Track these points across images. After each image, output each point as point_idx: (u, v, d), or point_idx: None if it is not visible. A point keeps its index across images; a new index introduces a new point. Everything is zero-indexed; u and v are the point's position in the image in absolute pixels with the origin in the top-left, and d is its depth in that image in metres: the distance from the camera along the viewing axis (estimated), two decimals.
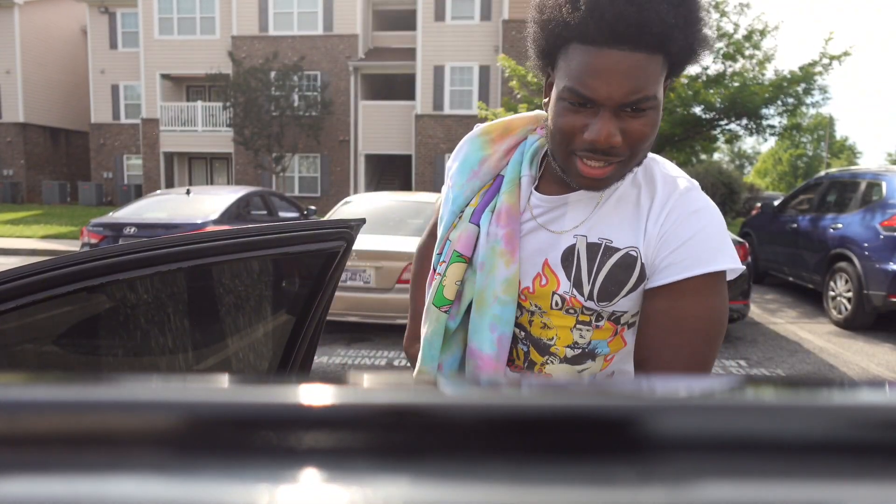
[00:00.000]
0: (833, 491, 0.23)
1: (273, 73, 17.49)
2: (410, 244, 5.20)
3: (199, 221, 6.26)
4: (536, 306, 0.94)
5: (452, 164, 1.04)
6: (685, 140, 12.13)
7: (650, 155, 0.92)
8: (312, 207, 9.67)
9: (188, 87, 21.46)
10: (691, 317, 0.83)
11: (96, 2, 20.50)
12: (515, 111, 12.54)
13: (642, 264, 0.87)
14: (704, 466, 0.24)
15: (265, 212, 7.75)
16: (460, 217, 0.99)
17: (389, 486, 0.23)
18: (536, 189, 0.95)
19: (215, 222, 6.37)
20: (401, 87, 20.99)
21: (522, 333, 0.97)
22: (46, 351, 1.04)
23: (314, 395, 0.27)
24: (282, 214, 8.13)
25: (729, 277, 0.86)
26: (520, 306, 0.95)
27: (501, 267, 0.92)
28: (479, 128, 1.04)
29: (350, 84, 18.92)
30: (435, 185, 18.03)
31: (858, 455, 0.25)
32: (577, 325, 0.93)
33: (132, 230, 6.16)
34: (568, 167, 0.85)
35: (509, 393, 0.30)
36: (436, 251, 1.02)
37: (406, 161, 19.88)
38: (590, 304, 0.90)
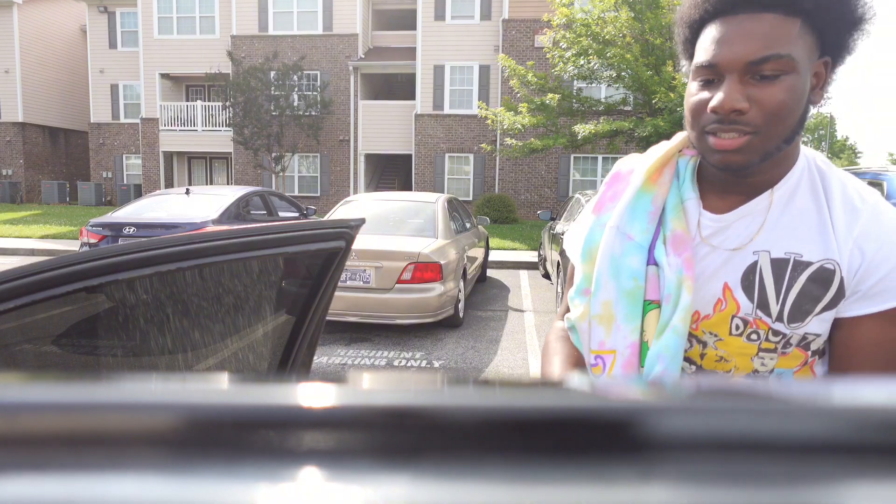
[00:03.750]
0: (833, 491, 0.23)
1: (273, 73, 17.49)
2: (410, 244, 5.21)
3: (198, 221, 6.25)
4: (712, 334, 0.86)
5: (614, 214, 0.92)
6: None
7: (826, 162, 0.86)
8: (312, 207, 9.67)
9: (188, 86, 21.46)
10: None
11: (95, 1, 20.50)
12: (515, 111, 12.54)
13: (842, 278, 0.79)
14: (704, 466, 0.24)
15: (265, 212, 7.75)
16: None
17: (389, 486, 0.23)
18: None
19: (215, 222, 6.37)
20: (401, 87, 20.99)
21: (693, 368, 0.89)
22: (46, 351, 1.04)
23: (314, 395, 0.27)
24: (282, 214, 8.13)
25: None
26: (690, 336, 0.87)
27: (685, 295, 0.84)
28: (639, 174, 0.93)
29: (350, 83, 18.92)
30: (435, 184, 18.04)
31: (858, 455, 0.25)
32: (760, 353, 0.84)
33: (131, 230, 6.16)
34: (703, 148, 0.81)
35: (509, 393, 0.30)
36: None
37: (406, 161, 19.88)
38: (778, 325, 0.81)
